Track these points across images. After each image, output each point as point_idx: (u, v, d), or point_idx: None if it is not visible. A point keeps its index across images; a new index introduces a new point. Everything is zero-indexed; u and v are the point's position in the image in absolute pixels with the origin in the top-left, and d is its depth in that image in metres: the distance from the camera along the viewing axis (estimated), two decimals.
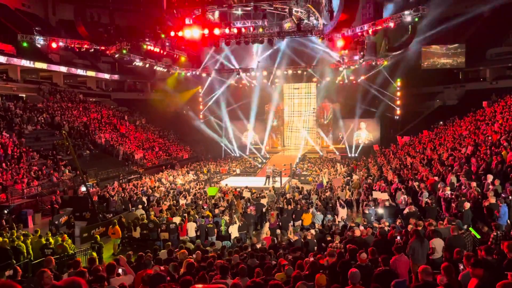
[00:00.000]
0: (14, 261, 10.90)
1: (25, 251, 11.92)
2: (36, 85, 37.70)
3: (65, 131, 21.20)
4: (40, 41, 28.04)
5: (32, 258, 11.87)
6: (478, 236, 9.53)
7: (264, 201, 19.65)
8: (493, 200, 10.63)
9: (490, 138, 17.87)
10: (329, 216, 16.23)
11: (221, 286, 4.52)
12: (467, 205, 11.19)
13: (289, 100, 49.77)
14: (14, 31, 32.18)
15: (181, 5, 25.78)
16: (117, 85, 51.73)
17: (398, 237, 9.24)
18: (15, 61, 34.38)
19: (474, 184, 12.70)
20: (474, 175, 14.32)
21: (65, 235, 13.50)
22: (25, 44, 28.11)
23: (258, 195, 21.06)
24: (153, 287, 5.98)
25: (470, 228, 10.12)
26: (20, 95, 35.62)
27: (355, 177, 28.33)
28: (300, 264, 7.23)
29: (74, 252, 12.54)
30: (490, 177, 12.59)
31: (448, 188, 13.77)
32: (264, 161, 40.62)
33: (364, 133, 46.63)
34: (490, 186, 12.03)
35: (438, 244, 8.08)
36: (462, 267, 6.14)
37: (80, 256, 12.54)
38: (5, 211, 18.40)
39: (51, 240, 12.45)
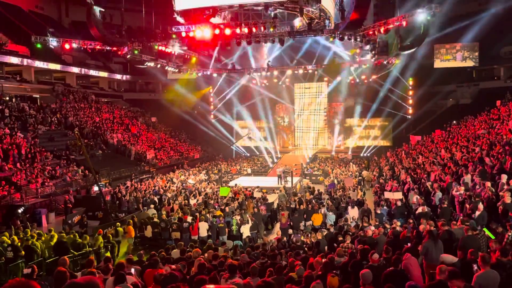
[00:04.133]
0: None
1: (39, 250, 12.07)
2: (50, 86, 38.20)
3: (78, 132, 21.42)
4: (53, 42, 28.36)
5: (45, 257, 12.02)
6: (493, 237, 9.37)
7: (271, 197, 19.61)
8: (508, 200, 10.46)
9: (505, 137, 17.61)
10: (346, 216, 16.06)
11: (231, 287, 4.51)
12: (481, 205, 11.03)
13: (300, 99, 49.58)
14: (28, 33, 32.65)
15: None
16: (129, 85, 52.16)
17: (409, 244, 9.11)
18: (29, 62, 34.88)
19: (488, 184, 12.52)
20: (489, 174, 14.11)
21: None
22: (38, 46, 28.46)
23: (266, 195, 21.01)
24: (164, 287, 6.00)
25: (484, 229, 9.97)
26: (34, 96, 36.12)
27: (365, 172, 28.33)
28: (311, 264, 7.20)
29: (88, 251, 12.64)
30: (504, 177, 12.39)
31: (462, 188, 13.59)
32: (275, 160, 40.60)
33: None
34: (505, 186, 11.84)
35: None
36: (476, 268, 6.06)
37: (92, 255, 12.63)
38: (20, 211, 18.68)
39: (65, 237, 12.60)
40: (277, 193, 22.29)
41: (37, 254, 11.85)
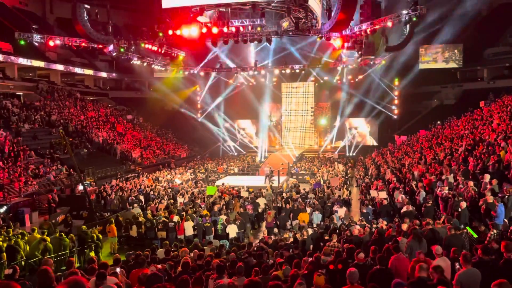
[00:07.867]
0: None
1: (22, 250, 11.87)
2: (34, 84, 37.57)
3: (62, 130, 21.14)
4: (37, 39, 27.89)
5: (28, 256, 11.82)
6: (475, 235, 9.54)
7: (260, 201, 19.57)
8: (490, 199, 10.64)
9: (487, 137, 17.90)
10: (333, 216, 16.12)
11: None
12: (463, 204, 11.21)
13: (287, 99, 49.73)
14: (11, 29, 32.02)
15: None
16: (115, 83, 51.64)
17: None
18: (12, 59, 34.24)
19: (471, 183, 12.72)
20: (471, 174, 14.34)
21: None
22: (22, 42, 27.94)
23: (255, 195, 20.99)
24: (149, 287, 5.95)
25: (467, 228, 10.14)
26: (17, 93, 35.50)
27: (349, 170, 28.69)
28: (298, 263, 7.22)
29: (71, 250, 12.49)
30: (487, 177, 12.60)
31: (446, 187, 13.78)
32: (262, 159, 40.63)
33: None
34: (488, 186, 12.04)
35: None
36: (458, 266, 6.14)
37: (75, 255, 12.49)
38: (2, 210, 18.34)
39: (47, 239, 12.40)
40: (264, 192, 22.31)
41: (19, 254, 11.64)
